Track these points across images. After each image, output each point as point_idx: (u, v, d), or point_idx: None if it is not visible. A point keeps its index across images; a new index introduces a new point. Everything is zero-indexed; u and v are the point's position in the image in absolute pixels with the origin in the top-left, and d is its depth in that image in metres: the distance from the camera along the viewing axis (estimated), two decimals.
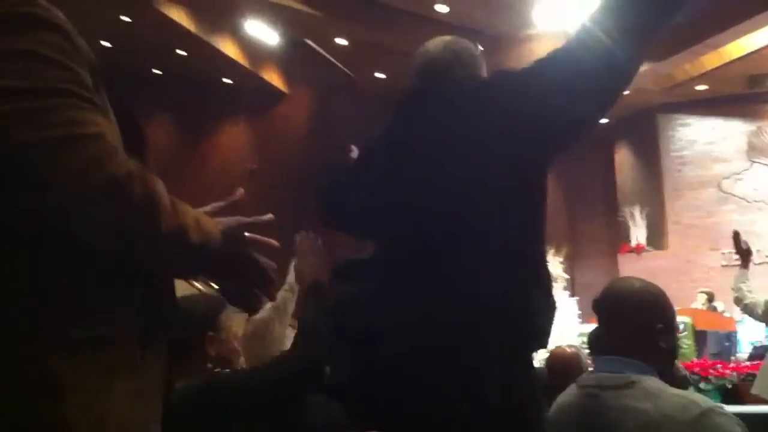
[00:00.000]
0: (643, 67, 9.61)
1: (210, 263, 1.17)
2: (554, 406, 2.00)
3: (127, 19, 11.92)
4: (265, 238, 1.29)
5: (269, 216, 1.29)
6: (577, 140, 1.71)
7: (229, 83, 14.59)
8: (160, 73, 14.68)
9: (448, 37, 1.95)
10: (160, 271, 1.17)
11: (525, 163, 1.67)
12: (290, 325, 3.41)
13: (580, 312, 9.48)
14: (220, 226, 1.18)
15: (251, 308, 1.46)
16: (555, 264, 10.17)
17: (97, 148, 0.99)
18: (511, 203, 1.65)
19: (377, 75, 12.85)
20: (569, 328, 8.68)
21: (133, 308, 1.10)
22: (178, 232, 1.06)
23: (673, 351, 1.92)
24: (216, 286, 1.33)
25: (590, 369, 2.28)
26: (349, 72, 13.25)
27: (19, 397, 0.97)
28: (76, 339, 1.01)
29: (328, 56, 12.76)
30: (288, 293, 3.40)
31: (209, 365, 2.05)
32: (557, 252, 10.34)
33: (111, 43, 12.72)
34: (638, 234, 12.91)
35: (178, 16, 11.65)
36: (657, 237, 12.85)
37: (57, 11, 1.05)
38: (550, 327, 1.72)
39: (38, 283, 1.01)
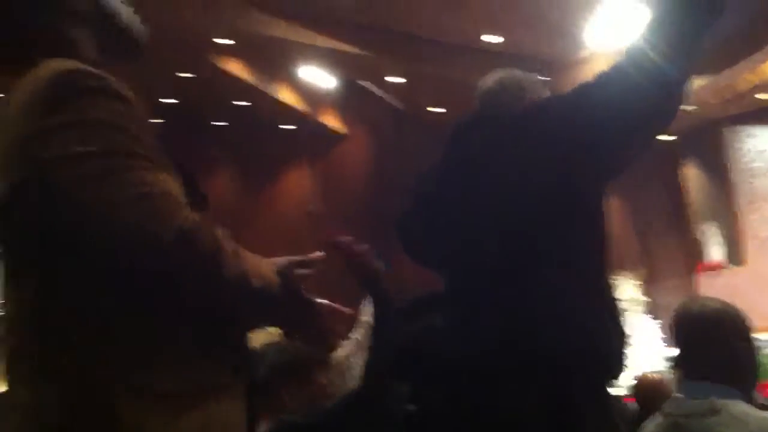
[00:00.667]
0: (703, 81, 9.46)
1: (270, 307, 1.20)
2: None
3: (188, 76, 12.29)
4: (337, 306, 1.31)
5: (319, 254, 1.30)
6: (631, 161, 1.68)
7: (288, 129, 14.85)
8: (221, 124, 15.04)
9: (502, 70, 2.01)
10: (226, 317, 1.19)
11: (578, 186, 1.65)
12: None
13: (663, 335, 9.24)
14: (275, 268, 1.21)
15: (325, 348, 1.46)
16: (632, 287, 9.95)
17: (165, 204, 1.06)
18: (567, 226, 1.63)
19: (433, 109, 12.91)
20: (654, 352, 8.47)
21: (204, 355, 1.14)
22: (241, 278, 1.10)
23: (756, 370, 1.85)
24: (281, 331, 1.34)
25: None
26: (405, 108, 13.36)
27: None
28: (151, 392, 1.06)
29: (383, 94, 12.89)
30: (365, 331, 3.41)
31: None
32: (633, 275, 10.11)
33: (173, 99, 13.11)
34: (715, 251, 12.55)
35: (235, 68, 11.95)
36: (735, 253, 12.44)
37: (122, 83, 1.14)
38: (623, 353, 1.67)
39: (109, 331, 1.07)
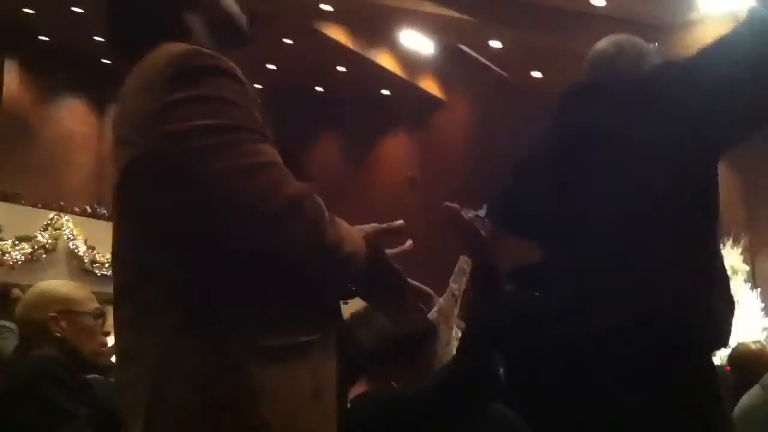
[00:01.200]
0: None
1: (358, 273, 1.24)
2: (738, 408, 1.90)
3: (290, 42, 12.47)
4: (421, 286, 1.33)
5: (400, 222, 1.34)
6: (750, 131, 1.62)
7: (388, 95, 14.90)
8: (322, 90, 15.22)
9: (619, 35, 1.92)
10: (323, 281, 1.25)
11: (694, 156, 1.59)
12: (457, 326, 3.44)
13: (763, 305, 8.90)
14: (361, 234, 1.26)
15: (409, 316, 1.50)
16: (734, 255, 9.59)
17: (276, 173, 1.13)
18: (680, 196, 1.58)
19: (534, 75, 12.67)
20: (752, 322, 8.17)
21: (311, 319, 1.21)
22: (337, 243, 1.17)
23: None
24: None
25: None
26: (505, 74, 13.16)
27: (222, 401, 1.11)
28: (267, 347, 1.14)
29: (483, 60, 12.74)
30: (451, 297, 3.43)
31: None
32: (736, 243, 9.74)
33: (276, 66, 13.35)
34: None
35: (337, 34, 12.05)
36: None
37: (233, 63, 1.22)
38: (730, 325, 1.64)
39: (224, 292, 1.15)
